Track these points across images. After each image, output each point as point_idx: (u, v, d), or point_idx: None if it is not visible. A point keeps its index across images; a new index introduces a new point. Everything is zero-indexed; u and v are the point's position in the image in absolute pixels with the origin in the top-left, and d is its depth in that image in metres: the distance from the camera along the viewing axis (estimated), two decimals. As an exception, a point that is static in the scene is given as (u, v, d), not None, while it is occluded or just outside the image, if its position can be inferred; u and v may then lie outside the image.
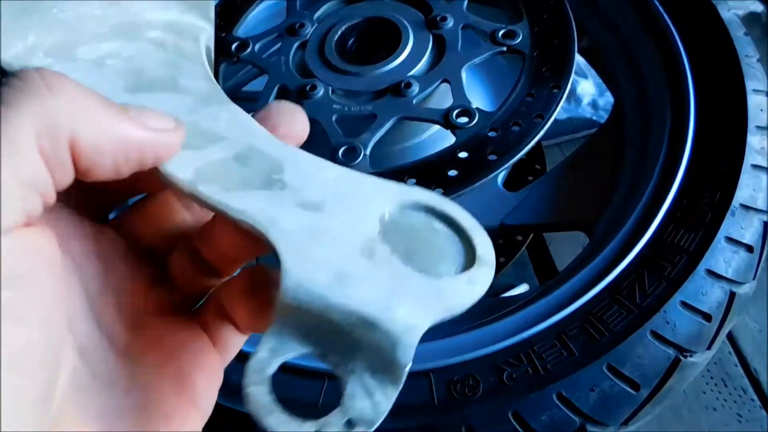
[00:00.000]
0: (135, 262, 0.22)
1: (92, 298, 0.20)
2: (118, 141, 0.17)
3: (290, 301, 0.18)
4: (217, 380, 0.22)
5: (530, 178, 0.77)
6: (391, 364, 0.18)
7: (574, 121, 1.33)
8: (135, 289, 0.22)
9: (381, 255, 0.19)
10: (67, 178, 0.17)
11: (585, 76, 1.20)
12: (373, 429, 0.18)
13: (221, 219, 0.20)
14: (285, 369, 0.44)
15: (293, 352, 0.18)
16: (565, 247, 0.94)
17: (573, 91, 1.35)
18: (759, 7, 1.26)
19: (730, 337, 1.08)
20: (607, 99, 1.16)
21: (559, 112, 1.48)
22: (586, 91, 1.29)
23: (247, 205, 0.19)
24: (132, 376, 0.20)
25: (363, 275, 0.19)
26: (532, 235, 0.74)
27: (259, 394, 0.17)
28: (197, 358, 0.22)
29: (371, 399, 0.18)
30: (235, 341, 0.23)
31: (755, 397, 1.02)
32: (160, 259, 0.23)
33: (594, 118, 1.32)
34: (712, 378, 1.05)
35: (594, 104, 1.33)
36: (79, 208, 0.21)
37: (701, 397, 1.02)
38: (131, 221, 0.23)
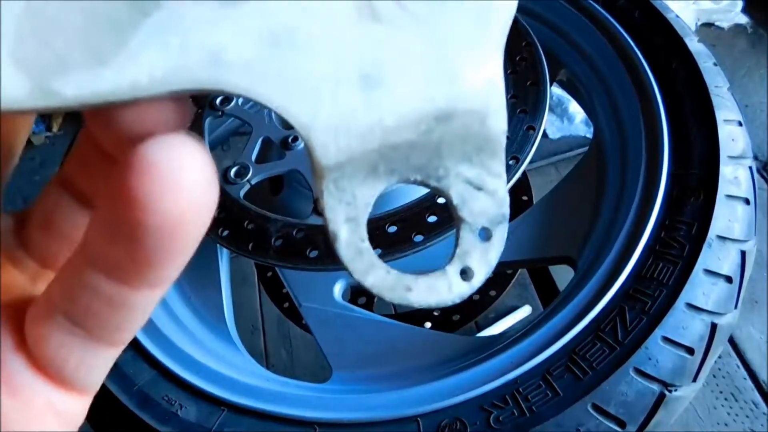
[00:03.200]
0: None
1: None
2: None
3: (335, 158, 0.14)
4: None
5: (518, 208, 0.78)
6: (485, 140, 0.15)
7: (568, 140, 1.35)
8: None
9: (387, 11, 0.14)
10: None
11: (574, 97, 1.21)
12: (506, 223, 0.15)
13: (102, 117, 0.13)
14: (273, 418, 0.45)
15: (369, 197, 0.15)
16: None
17: (565, 110, 1.36)
18: (744, 19, 1.28)
19: (737, 350, 1.07)
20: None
21: (553, 131, 1.48)
22: (579, 109, 1.31)
23: (153, 62, 0.12)
24: None
25: (389, 58, 0.14)
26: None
27: (360, 269, 0.14)
28: None
29: (484, 190, 0.15)
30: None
31: (768, 411, 1.00)
32: None
33: (588, 135, 1.33)
34: (722, 392, 1.04)
35: (587, 122, 1.35)
36: None
37: (712, 412, 1.01)
38: None
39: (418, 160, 0.15)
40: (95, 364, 0.15)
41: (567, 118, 1.36)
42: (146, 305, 0.14)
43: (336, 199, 0.14)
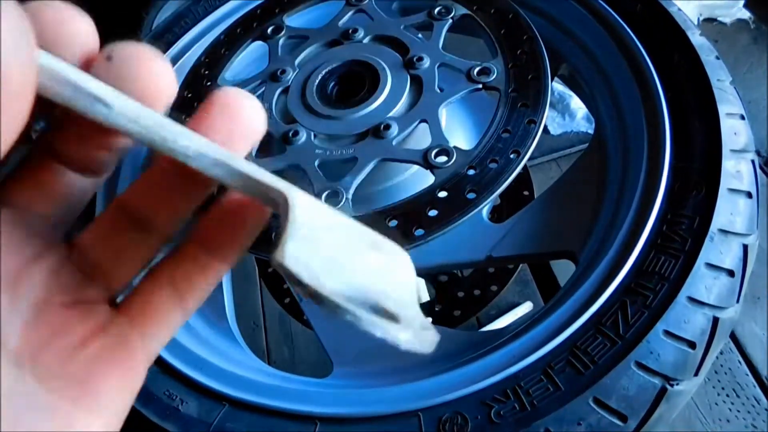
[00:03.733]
0: (30, 239, 0.18)
1: None
2: None
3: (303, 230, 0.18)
4: (132, 380, 0.19)
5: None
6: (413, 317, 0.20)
7: (570, 136, 1.34)
8: (35, 272, 0.18)
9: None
10: None
11: (576, 93, 1.20)
12: (434, 329, 0.19)
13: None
14: (275, 413, 0.45)
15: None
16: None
17: (566, 106, 1.35)
18: (746, 14, 1.27)
19: (739, 346, 1.07)
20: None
21: (554, 127, 1.48)
22: (580, 105, 1.30)
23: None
24: (15, 383, 0.17)
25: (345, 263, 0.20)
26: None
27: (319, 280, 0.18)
28: (108, 353, 0.19)
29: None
30: (166, 324, 0.20)
31: (770, 407, 1.00)
32: (62, 233, 0.19)
33: (589, 131, 1.33)
34: (723, 389, 1.04)
35: (588, 118, 1.34)
36: None
37: (714, 408, 1.01)
38: (19, 186, 0.18)
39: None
40: (173, 326, 0.21)
41: (569, 114, 1.36)
42: (219, 276, 0.21)
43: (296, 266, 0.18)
